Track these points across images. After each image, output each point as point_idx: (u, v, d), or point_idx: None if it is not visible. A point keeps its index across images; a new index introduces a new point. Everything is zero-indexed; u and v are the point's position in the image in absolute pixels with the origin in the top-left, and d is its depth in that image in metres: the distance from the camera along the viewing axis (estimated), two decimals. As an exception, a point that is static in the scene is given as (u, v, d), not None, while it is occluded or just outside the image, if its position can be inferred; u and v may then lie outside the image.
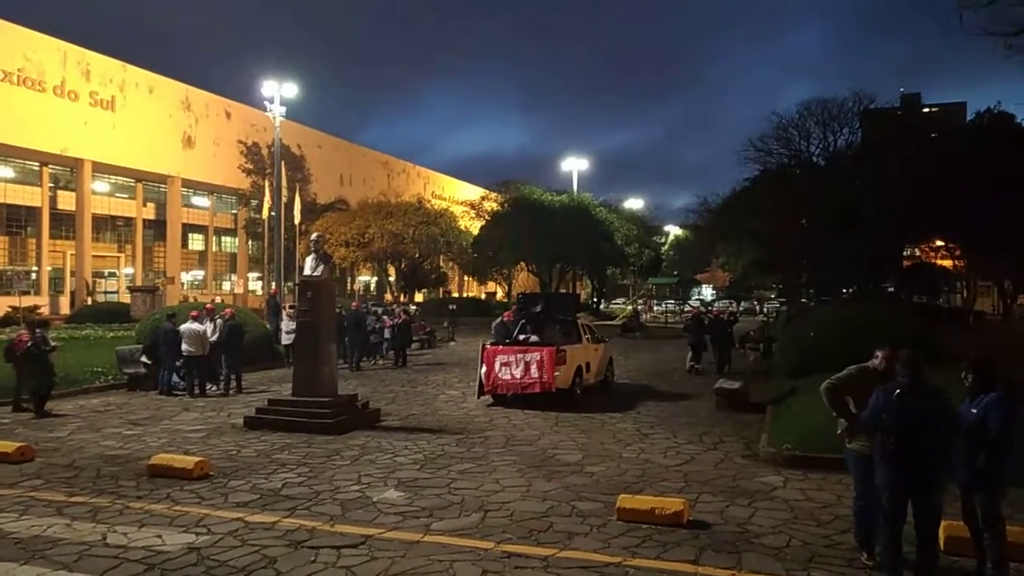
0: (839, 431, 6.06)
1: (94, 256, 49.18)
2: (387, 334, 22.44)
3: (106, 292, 48.97)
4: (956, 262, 44.99)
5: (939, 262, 46.41)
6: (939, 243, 43.13)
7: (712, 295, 79.81)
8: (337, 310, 18.19)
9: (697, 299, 74.95)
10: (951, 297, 54.11)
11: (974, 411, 5.31)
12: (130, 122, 49.43)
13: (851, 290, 40.68)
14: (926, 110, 69.20)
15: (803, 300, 42.91)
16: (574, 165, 58.14)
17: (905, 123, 43.80)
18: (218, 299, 40.55)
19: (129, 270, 52.20)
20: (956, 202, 29.48)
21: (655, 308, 59.65)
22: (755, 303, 67.48)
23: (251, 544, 6.33)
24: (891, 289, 43.11)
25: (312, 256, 12.84)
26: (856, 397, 5.76)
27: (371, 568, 5.79)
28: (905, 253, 44.65)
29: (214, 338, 15.68)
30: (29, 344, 13.03)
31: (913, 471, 5.17)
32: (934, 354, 10.36)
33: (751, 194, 39.41)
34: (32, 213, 46.84)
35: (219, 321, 16.23)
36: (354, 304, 23.17)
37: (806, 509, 7.43)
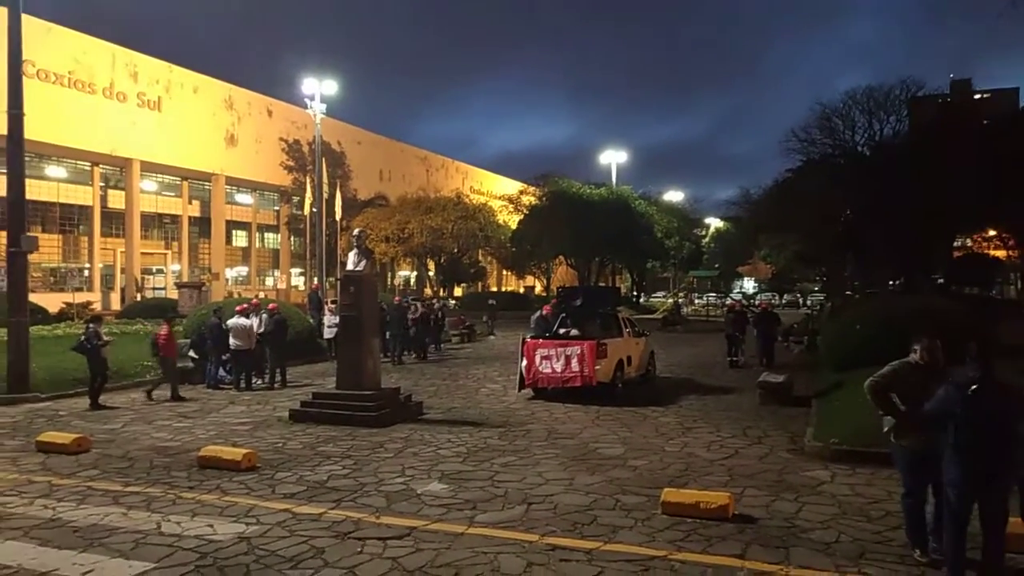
0: (886, 428, 5.93)
1: (143, 253, 50.43)
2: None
3: (154, 288, 50.24)
4: (1010, 252, 43.57)
5: (992, 252, 45.00)
6: (991, 233, 41.83)
7: (754, 288, 78.67)
8: (379, 305, 18.42)
9: (739, 292, 73.98)
10: (1004, 288, 52.45)
11: None
12: (176, 122, 50.52)
13: (898, 282, 39.71)
14: (977, 96, 67.10)
15: (848, 292, 42.01)
16: (613, 158, 57.79)
17: (956, 110, 42.52)
18: (262, 295, 41.34)
19: (176, 266, 53.42)
20: (1010, 190, 28.56)
21: (696, 301, 59.07)
22: (798, 296, 66.36)
23: (299, 535, 6.44)
24: (940, 281, 41.96)
25: (354, 251, 12.99)
26: (901, 393, 5.63)
27: (416, 559, 5.86)
28: (956, 244, 43.38)
29: (260, 331, 15.99)
30: (82, 339, 13.44)
31: (984, 468, 5.03)
32: (992, 347, 10.07)
33: (793, 185, 38.69)
34: (84, 212, 48.19)
35: (264, 315, 16.54)
36: (396, 299, 23.39)
37: (855, 504, 7.30)
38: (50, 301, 34.09)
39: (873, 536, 6.36)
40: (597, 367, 13.50)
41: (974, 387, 5.05)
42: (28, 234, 15.38)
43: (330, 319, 19.62)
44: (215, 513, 7.07)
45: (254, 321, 16.15)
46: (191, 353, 16.34)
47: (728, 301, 46.07)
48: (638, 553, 5.97)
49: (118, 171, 49.54)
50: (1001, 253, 44.91)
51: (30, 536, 6.43)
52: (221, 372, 15.91)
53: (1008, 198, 29.30)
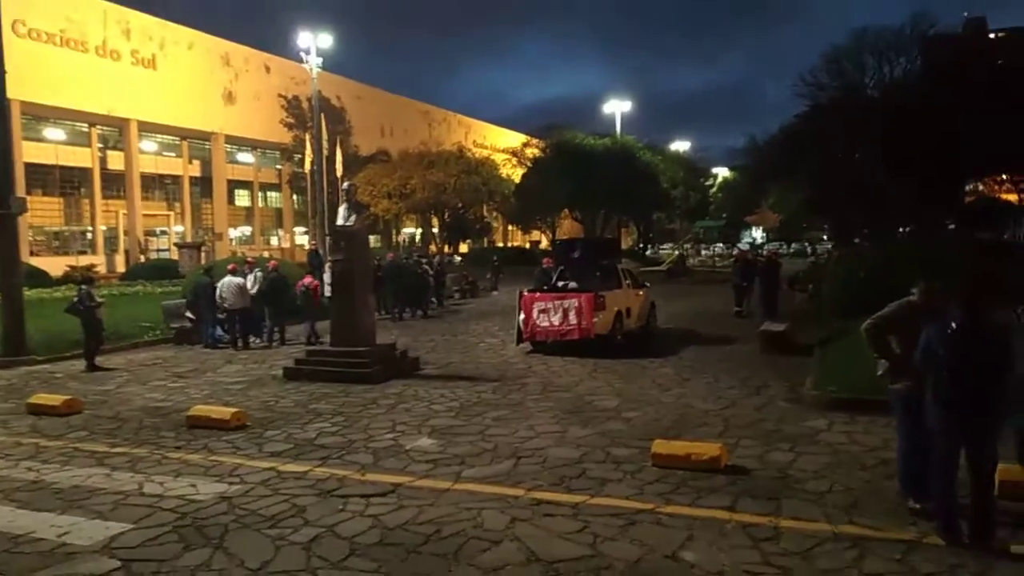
0: (880, 372, 5.72)
1: (145, 215, 50.29)
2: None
3: (158, 250, 50.20)
4: (1022, 196, 42.81)
5: (1004, 196, 44.23)
6: (1004, 176, 41.01)
7: (762, 237, 78.07)
8: (376, 261, 18.23)
9: (747, 242, 73.40)
10: (1018, 232, 51.71)
11: None
12: (172, 80, 49.85)
13: (908, 229, 39.13)
14: (992, 36, 65.25)
15: (855, 240, 41.51)
16: (617, 107, 56.77)
17: (969, 48, 41.31)
18: (265, 253, 41.23)
19: (179, 228, 53.30)
20: (1022, 132, 27.84)
21: (703, 252, 58.62)
22: (806, 245, 65.77)
23: (282, 493, 6.34)
24: (952, 226, 41.33)
25: (344, 205, 12.75)
26: (900, 335, 5.41)
27: (399, 516, 5.74)
28: (967, 188, 42.61)
29: (254, 290, 15.85)
30: (75, 300, 13.34)
31: (968, 412, 4.84)
32: (1001, 291, 9.77)
33: (800, 131, 37.88)
34: (84, 174, 47.92)
35: (259, 273, 16.37)
36: (390, 255, 23.18)
37: (851, 453, 7.14)
38: (53, 265, 34.15)
39: (866, 485, 6.21)
40: (595, 319, 13.32)
41: (952, 326, 4.83)
42: (17, 195, 15.18)
43: (330, 277, 19.45)
44: (199, 473, 6.98)
45: (249, 279, 16.00)
46: (188, 313, 16.25)
47: (736, 251, 45.75)
48: (625, 507, 5.84)
49: (116, 132, 49.10)
50: (1013, 197, 44.16)
51: (11, 499, 6.35)
52: (219, 331, 15.82)
53: (1021, 140, 28.59)
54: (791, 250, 62.96)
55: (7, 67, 14.37)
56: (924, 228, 35.72)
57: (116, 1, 47.42)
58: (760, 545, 5.07)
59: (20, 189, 28.39)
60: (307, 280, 16.68)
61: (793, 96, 38.90)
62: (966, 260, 14.24)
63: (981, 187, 45.43)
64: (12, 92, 15.23)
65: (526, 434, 8.13)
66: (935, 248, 16.45)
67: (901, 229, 40.07)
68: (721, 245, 65.40)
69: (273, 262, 18.78)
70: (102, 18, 45.96)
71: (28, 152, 41.88)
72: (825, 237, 65.41)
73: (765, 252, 25.12)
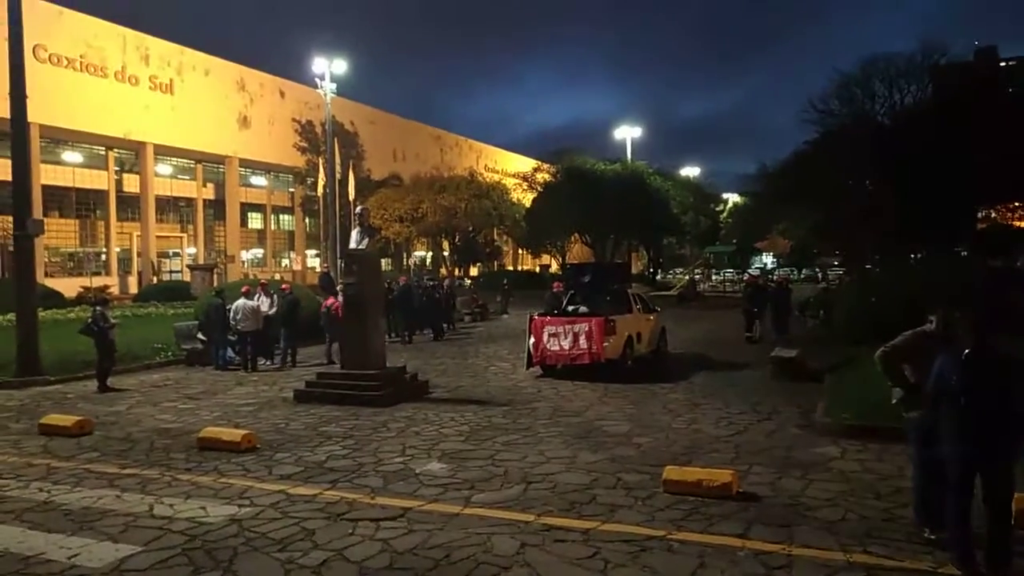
0: (895, 400, 5.68)
1: (158, 237, 50.73)
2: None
3: (171, 271, 50.57)
4: (1035, 223, 42.61)
5: (1017, 223, 44.00)
6: (1016, 203, 40.85)
7: (773, 263, 77.76)
8: (387, 283, 18.31)
9: (757, 267, 73.17)
10: (1030, 260, 51.35)
11: None
12: (188, 104, 50.53)
13: (919, 255, 38.94)
14: (1003, 64, 65.34)
15: (867, 266, 41.33)
16: (627, 133, 57.10)
17: (980, 77, 41.38)
18: (277, 276, 41.44)
19: (192, 249, 53.71)
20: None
21: (713, 277, 58.43)
22: (817, 270, 65.45)
23: (291, 516, 6.33)
24: (964, 253, 41.10)
25: (357, 229, 12.84)
26: (914, 364, 5.38)
27: (408, 541, 5.72)
28: (979, 215, 42.43)
29: (271, 312, 15.95)
30: (89, 321, 13.44)
31: (983, 440, 4.79)
32: (1014, 319, 9.71)
33: (810, 156, 37.92)
34: (100, 196, 48.48)
35: (275, 296, 16.48)
36: (402, 279, 23.29)
37: (864, 481, 7.06)
38: (68, 286, 34.43)
39: (881, 514, 6.14)
40: (606, 344, 13.29)
41: (966, 353, 4.80)
42: (34, 218, 15.37)
43: (342, 300, 19.57)
44: (210, 495, 6.98)
45: (264, 302, 16.10)
46: (199, 335, 16.33)
47: (746, 276, 45.58)
48: (636, 533, 5.80)
49: (133, 155, 49.73)
50: (1025, 224, 43.92)
51: (22, 519, 6.37)
52: (229, 353, 15.88)
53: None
54: (802, 276, 62.64)
55: (28, 91, 14.63)
56: (936, 255, 35.52)
57: (135, 27, 48.32)
58: (773, 573, 5.02)
59: (37, 211, 28.78)
60: (330, 301, 16.72)
61: (802, 122, 39.00)
62: (978, 287, 14.17)
63: (994, 214, 45.26)
64: (32, 116, 15.47)
65: (536, 459, 8.10)
66: (947, 275, 16.37)
67: (912, 255, 39.88)
68: (731, 271, 65.12)
69: (287, 285, 18.92)
70: (121, 44, 46.78)
71: (46, 174, 42.46)
72: (836, 263, 65.14)
73: (775, 277, 25.07)
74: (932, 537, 5.39)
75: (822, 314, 21.68)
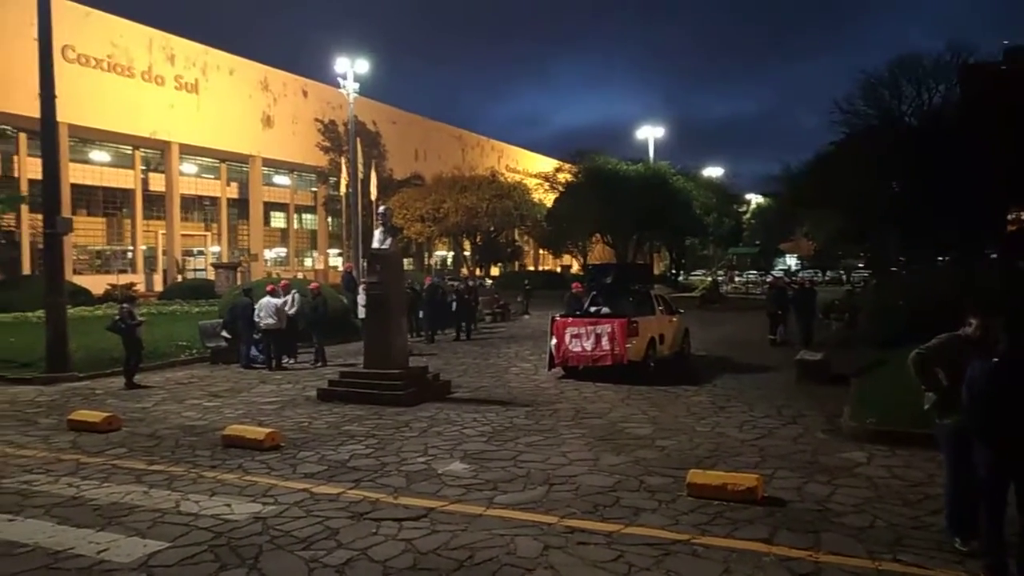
0: (927, 405, 5.59)
1: (183, 235, 51.31)
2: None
3: (195, 270, 51.11)
4: (1067, 225, 41.76)
5: (1048, 226, 43.17)
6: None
7: (796, 265, 77.06)
8: (408, 283, 18.38)
9: (780, 269, 72.54)
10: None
11: None
12: (213, 104, 51.05)
13: (947, 258, 38.36)
14: (1033, 62, 64.01)
15: (893, 269, 40.78)
16: (650, 133, 56.81)
17: (1009, 77, 40.66)
18: (300, 275, 41.77)
19: (216, 248, 54.26)
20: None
21: (736, 279, 58.06)
22: (842, 273, 64.76)
23: (315, 515, 6.36)
24: (993, 256, 40.43)
25: (380, 229, 12.89)
26: (947, 368, 5.28)
27: (431, 541, 5.72)
28: (1010, 217, 41.71)
29: (292, 311, 16.06)
30: (116, 318, 13.62)
31: (1015, 448, 4.70)
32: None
33: (835, 157, 37.51)
34: (126, 195, 49.13)
35: (297, 295, 16.58)
36: (427, 279, 23.36)
37: (892, 488, 6.96)
38: (95, 283, 34.94)
39: (910, 521, 6.04)
40: (628, 345, 13.23)
41: (995, 360, 4.71)
42: (63, 216, 15.59)
43: (364, 299, 19.64)
44: (234, 492, 7.03)
45: (287, 300, 16.21)
46: (224, 333, 16.48)
47: (770, 278, 45.19)
48: (660, 536, 5.76)
49: (158, 154, 50.33)
50: (1057, 226, 43.06)
51: (51, 514, 6.46)
52: (254, 351, 16.01)
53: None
54: (826, 278, 62.00)
55: (57, 91, 14.85)
56: (964, 257, 34.98)
57: (161, 27, 48.91)
58: (800, 580, 4.96)
59: (66, 209, 29.19)
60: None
61: (827, 123, 38.61)
62: (1009, 290, 13.92)
63: (1024, 216, 44.40)
64: (61, 115, 15.68)
65: (559, 460, 8.08)
66: (976, 277, 16.11)
67: (940, 258, 39.30)
68: (754, 272, 64.62)
69: (316, 284, 19.08)
70: (148, 44, 47.35)
71: (74, 173, 43.06)
72: (861, 265, 64.38)
73: (798, 279, 24.83)
74: (964, 549, 5.30)
75: (847, 317, 21.45)
